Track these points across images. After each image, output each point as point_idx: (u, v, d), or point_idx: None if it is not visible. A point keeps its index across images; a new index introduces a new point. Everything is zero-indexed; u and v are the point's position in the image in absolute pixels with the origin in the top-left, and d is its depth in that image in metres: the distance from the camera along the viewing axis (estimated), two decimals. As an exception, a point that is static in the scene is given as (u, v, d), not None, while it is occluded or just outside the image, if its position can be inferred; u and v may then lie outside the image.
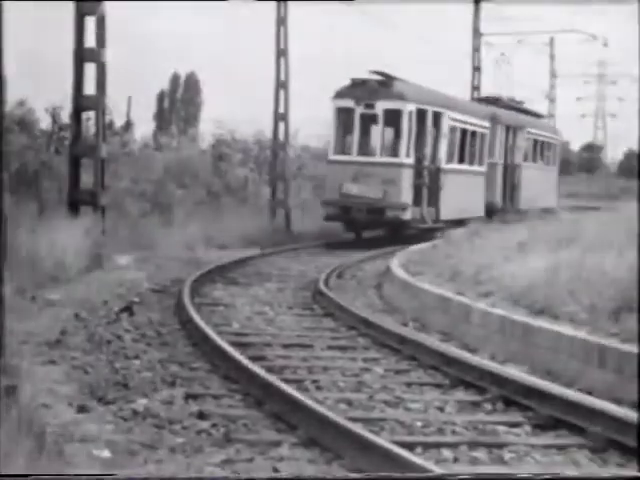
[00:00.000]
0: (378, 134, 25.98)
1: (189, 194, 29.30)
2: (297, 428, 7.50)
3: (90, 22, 19.62)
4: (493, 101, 34.52)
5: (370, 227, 26.48)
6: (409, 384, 9.39)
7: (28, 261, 15.12)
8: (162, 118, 71.82)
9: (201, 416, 7.94)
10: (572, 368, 9.26)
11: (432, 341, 11.03)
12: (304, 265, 21.03)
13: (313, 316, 13.81)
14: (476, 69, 40.08)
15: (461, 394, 9.03)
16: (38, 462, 6.10)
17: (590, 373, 8.98)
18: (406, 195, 25.58)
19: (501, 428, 7.78)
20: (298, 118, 32.87)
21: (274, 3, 30.17)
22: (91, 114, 21.20)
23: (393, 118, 25.59)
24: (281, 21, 30.29)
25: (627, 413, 7.40)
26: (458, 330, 11.90)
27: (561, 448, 7.28)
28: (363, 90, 25.43)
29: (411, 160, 25.79)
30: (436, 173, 26.94)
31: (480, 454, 7.08)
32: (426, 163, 26.57)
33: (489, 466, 6.85)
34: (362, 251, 23.66)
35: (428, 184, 26.52)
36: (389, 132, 26.64)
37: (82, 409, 8.06)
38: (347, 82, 25.85)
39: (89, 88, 19.94)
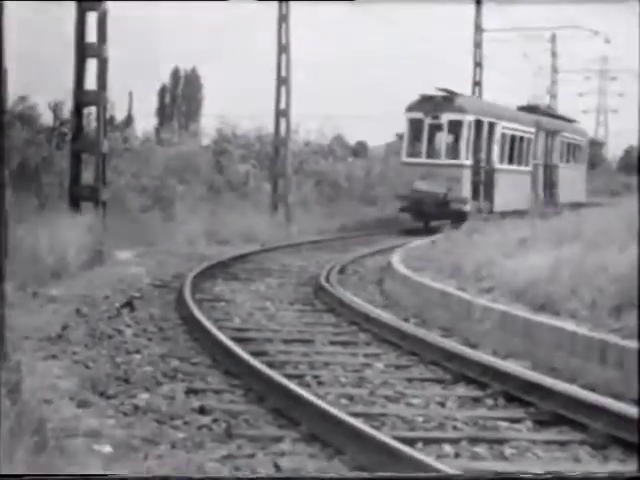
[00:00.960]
0: (442, 140, 30.65)
1: (190, 189, 29.31)
2: (298, 424, 7.49)
3: (92, 18, 19.64)
4: (533, 109, 38.88)
5: (436, 217, 29.74)
6: (410, 379, 9.39)
7: (29, 257, 15.12)
8: (163, 113, 71.72)
9: (202, 411, 7.95)
10: (573, 364, 9.26)
11: (433, 337, 11.02)
12: (305, 261, 21.03)
13: (314, 312, 13.80)
14: (477, 65, 40.09)
15: (462, 390, 9.03)
16: (39, 458, 6.10)
17: (591, 369, 8.97)
18: (466, 191, 30.20)
19: (502, 424, 7.78)
20: (300, 113, 33.00)
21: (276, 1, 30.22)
22: (92, 109, 21.20)
23: (455, 127, 30.27)
24: (283, 18, 30.31)
25: (628, 409, 7.39)
26: (459, 326, 11.89)
27: (562, 444, 7.27)
28: (430, 104, 30.25)
29: (470, 162, 30.50)
30: (490, 172, 31.74)
31: (481, 450, 7.08)
32: (482, 164, 31.32)
33: (491, 462, 6.84)
34: (367, 246, 24.00)
35: (484, 181, 31.40)
36: (451, 138, 30.98)
37: (83, 404, 8.06)
38: (416, 98, 30.76)
39: (90, 83, 19.94)
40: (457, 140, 30.50)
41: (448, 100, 30.36)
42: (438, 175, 29.67)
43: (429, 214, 29.97)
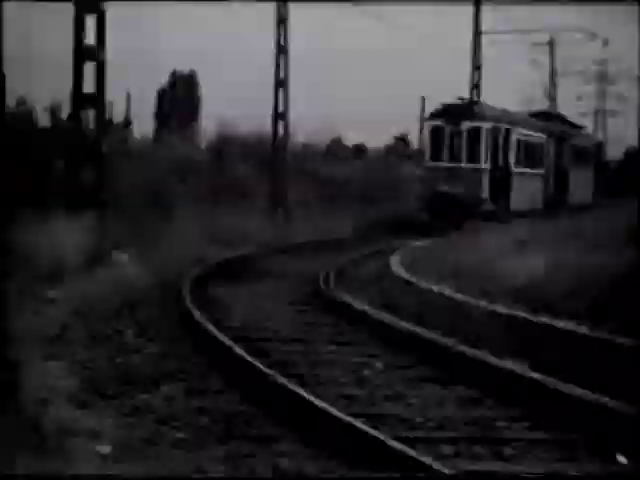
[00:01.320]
0: (462, 146, 32.16)
1: (189, 191, 29.31)
2: (298, 424, 7.49)
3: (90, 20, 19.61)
4: (544, 115, 41.62)
5: (456, 218, 30.51)
6: (409, 379, 9.39)
7: (29, 258, 15.11)
8: (162, 114, 71.77)
9: (202, 411, 7.94)
10: (572, 363, 9.26)
11: (432, 336, 11.00)
12: (304, 261, 21.03)
13: (313, 312, 13.81)
14: (476, 68, 40.06)
15: (462, 390, 9.02)
16: (39, 458, 6.10)
17: (590, 369, 8.98)
18: (485, 192, 32.13)
19: (502, 424, 7.78)
20: (299, 115, 33.04)
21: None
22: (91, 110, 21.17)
23: (474, 133, 32.07)
24: (281, 20, 30.33)
25: (626, 409, 7.39)
26: (458, 326, 11.88)
27: (562, 444, 7.27)
28: (451, 112, 32.18)
29: (488, 165, 32.34)
30: (507, 175, 33.64)
31: (480, 450, 7.07)
32: (500, 168, 33.02)
33: (491, 462, 6.84)
34: (367, 246, 24.11)
35: (501, 184, 33.19)
36: (470, 144, 32.52)
37: (83, 404, 8.06)
38: (438, 107, 32.97)
39: (88, 86, 19.92)
40: (476, 145, 32.18)
41: (467, 109, 32.50)
42: (459, 178, 31.44)
43: (450, 214, 31.09)
